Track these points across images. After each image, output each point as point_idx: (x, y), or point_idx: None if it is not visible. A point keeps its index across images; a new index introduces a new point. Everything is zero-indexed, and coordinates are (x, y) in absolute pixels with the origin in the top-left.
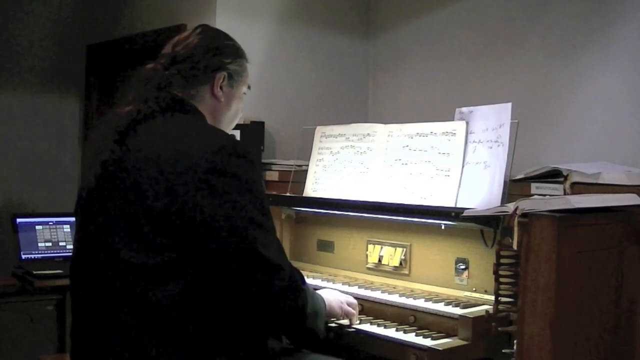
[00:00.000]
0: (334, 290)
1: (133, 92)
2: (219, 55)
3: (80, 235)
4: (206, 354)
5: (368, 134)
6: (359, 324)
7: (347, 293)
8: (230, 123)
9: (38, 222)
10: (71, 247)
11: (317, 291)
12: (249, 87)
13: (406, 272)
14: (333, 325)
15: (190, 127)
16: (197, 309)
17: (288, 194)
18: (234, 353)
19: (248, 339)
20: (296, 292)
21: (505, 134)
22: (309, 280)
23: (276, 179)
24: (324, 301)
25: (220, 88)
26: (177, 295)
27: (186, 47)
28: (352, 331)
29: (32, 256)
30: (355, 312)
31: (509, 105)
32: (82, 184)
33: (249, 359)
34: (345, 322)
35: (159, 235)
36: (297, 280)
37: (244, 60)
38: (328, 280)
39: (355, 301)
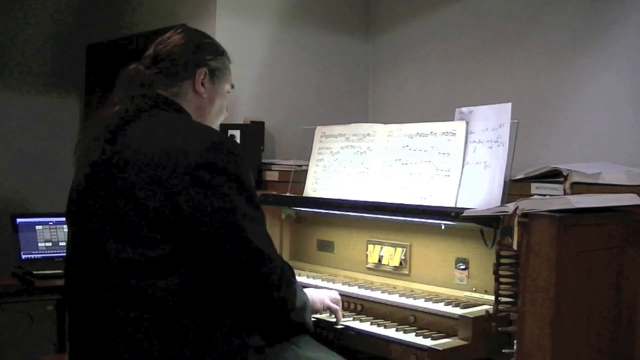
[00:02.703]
0: (316, 288)
1: (118, 92)
2: (198, 52)
3: (73, 236)
4: (204, 348)
5: (368, 134)
6: (358, 322)
7: (347, 293)
8: (215, 119)
9: (38, 222)
10: None
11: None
12: (232, 86)
13: (406, 272)
14: (320, 318)
15: (179, 124)
16: (195, 303)
17: (288, 194)
18: (231, 347)
19: (246, 332)
20: (286, 283)
21: (505, 134)
22: (309, 281)
23: (276, 179)
24: (306, 295)
25: (202, 84)
26: (174, 289)
27: (166, 46)
28: (341, 328)
29: (32, 256)
30: (338, 307)
31: (509, 105)
32: (73, 185)
33: (246, 353)
34: (332, 319)
35: (153, 231)
36: (287, 272)
37: (225, 59)
38: (328, 280)
39: (338, 297)
